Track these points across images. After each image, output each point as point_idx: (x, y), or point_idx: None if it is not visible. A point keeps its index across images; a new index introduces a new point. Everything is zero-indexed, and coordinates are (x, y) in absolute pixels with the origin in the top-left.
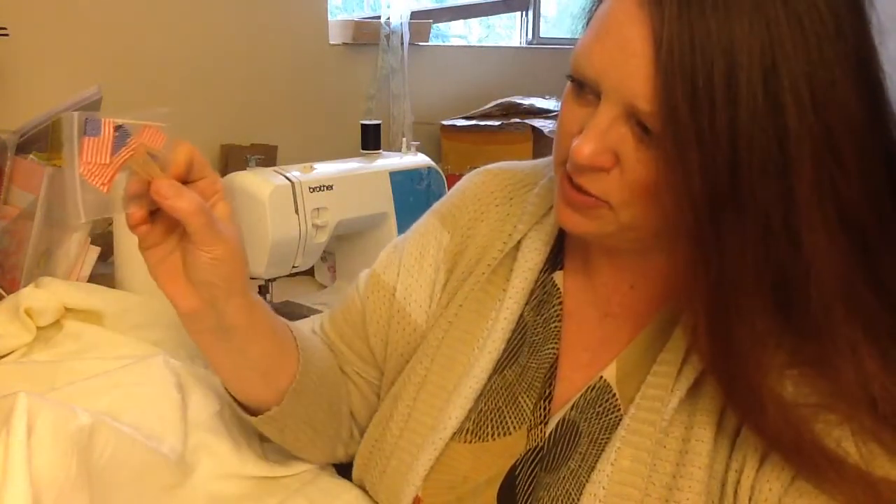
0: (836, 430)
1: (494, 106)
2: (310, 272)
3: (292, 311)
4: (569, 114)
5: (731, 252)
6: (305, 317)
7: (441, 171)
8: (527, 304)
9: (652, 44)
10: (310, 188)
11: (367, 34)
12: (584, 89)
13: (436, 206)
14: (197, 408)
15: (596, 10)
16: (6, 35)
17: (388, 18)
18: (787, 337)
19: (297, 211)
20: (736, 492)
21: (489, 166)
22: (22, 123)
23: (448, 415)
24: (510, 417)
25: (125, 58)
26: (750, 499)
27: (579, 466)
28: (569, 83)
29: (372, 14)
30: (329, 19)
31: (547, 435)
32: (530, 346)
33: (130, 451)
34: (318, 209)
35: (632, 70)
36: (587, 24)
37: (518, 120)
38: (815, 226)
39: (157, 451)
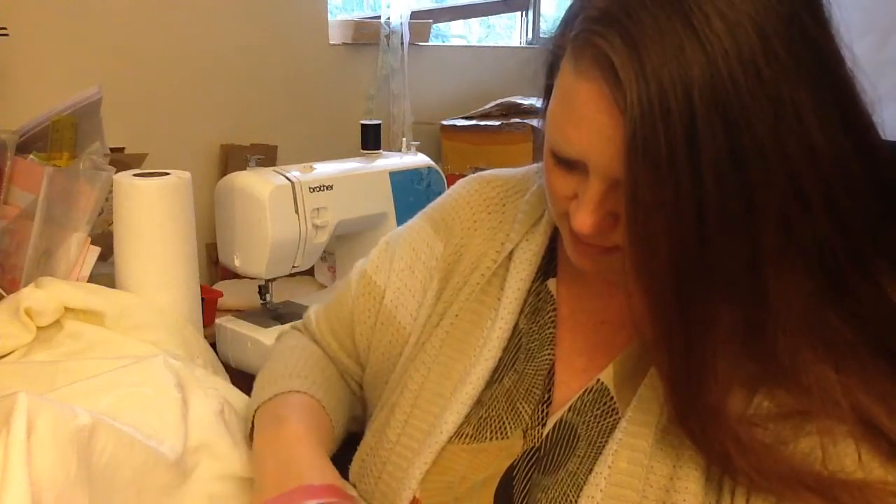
0: (815, 443)
1: (494, 106)
2: (310, 272)
3: (292, 311)
4: (558, 181)
5: (696, 319)
6: None
7: (441, 171)
8: (521, 312)
9: (622, 129)
10: (310, 188)
11: (367, 34)
12: (568, 162)
13: (428, 210)
14: (197, 408)
15: (556, 66)
16: (6, 35)
17: (388, 18)
18: (758, 374)
19: (297, 211)
20: (733, 493)
21: (481, 174)
22: (22, 123)
23: (444, 419)
24: (508, 422)
25: (125, 58)
26: (747, 501)
27: (577, 468)
28: (548, 154)
29: (372, 14)
30: (329, 19)
31: (544, 436)
32: (526, 353)
33: (130, 451)
34: (318, 209)
35: (612, 151)
36: (549, 86)
37: (518, 120)
38: (782, 274)
39: (157, 451)
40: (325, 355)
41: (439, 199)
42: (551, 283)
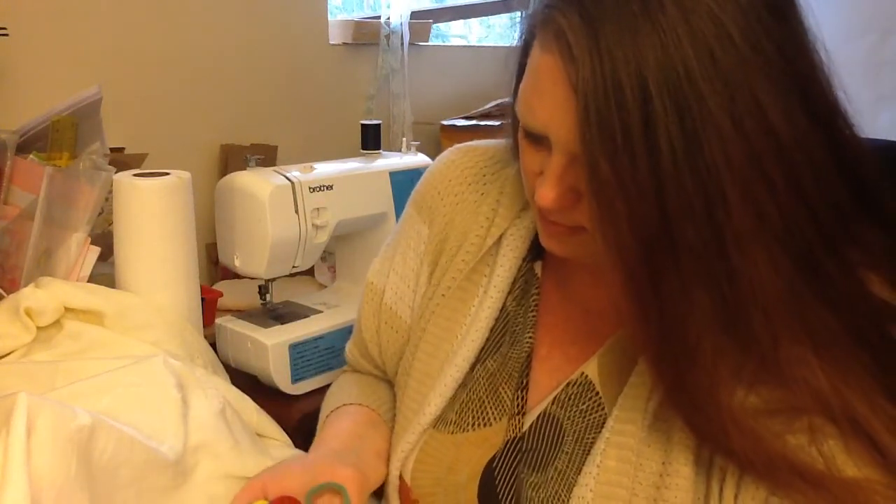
0: (806, 436)
1: (494, 106)
2: (310, 272)
3: (292, 311)
4: (527, 156)
5: (671, 299)
6: (306, 317)
7: None
8: (510, 293)
9: (574, 102)
10: (310, 188)
11: (367, 34)
12: (535, 136)
13: (413, 193)
14: (197, 408)
15: (527, 47)
16: (6, 35)
17: (388, 18)
18: (744, 363)
19: (297, 211)
20: (721, 488)
21: (458, 146)
22: (22, 123)
23: (430, 401)
24: (491, 408)
25: (125, 58)
26: (736, 497)
27: (566, 467)
28: (521, 130)
29: (372, 14)
30: (329, 19)
31: (526, 427)
32: (511, 336)
33: (130, 451)
34: (318, 209)
35: (570, 125)
36: (520, 63)
37: None
38: (755, 256)
39: (157, 451)
40: (362, 375)
41: (420, 180)
42: (537, 266)
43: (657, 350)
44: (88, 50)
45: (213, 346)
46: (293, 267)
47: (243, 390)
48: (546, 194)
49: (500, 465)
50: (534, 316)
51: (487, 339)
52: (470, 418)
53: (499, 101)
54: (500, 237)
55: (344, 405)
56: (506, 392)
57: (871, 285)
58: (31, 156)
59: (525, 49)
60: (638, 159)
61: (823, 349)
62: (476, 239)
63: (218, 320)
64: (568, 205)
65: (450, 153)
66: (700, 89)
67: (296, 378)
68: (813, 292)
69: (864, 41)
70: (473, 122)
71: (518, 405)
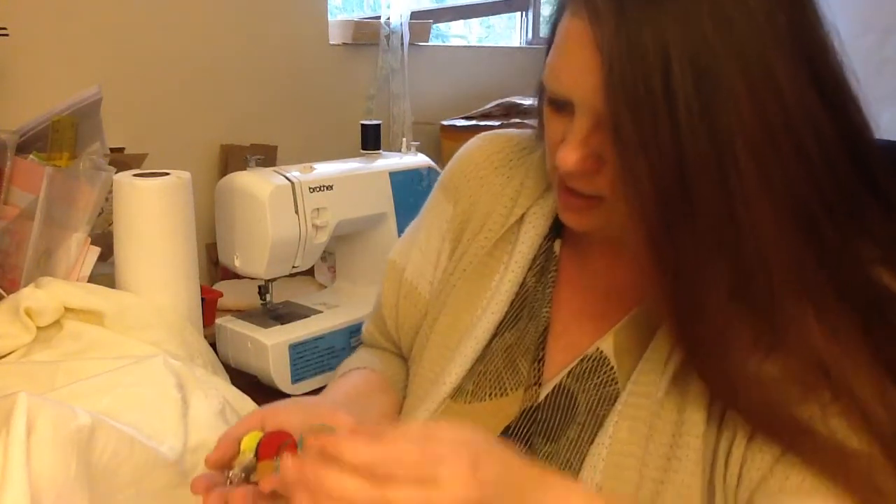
0: (816, 409)
1: (494, 106)
2: (310, 272)
3: (292, 311)
4: (551, 125)
5: (689, 260)
6: (306, 317)
7: (441, 172)
8: (529, 270)
9: (599, 63)
10: (310, 188)
11: (367, 34)
12: (560, 103)
13: (440, 177)
14: (197, 408)
15: (557, 23)
16: (6, 35)
17: (388, 18)
18: (760, 331)
19: (297, 211)
20: (727, 461)
21: (486, 132)
22: (22, 123)
23: (449, 371)
24: (508, 379)
25: (125, 58)
26: (741, 466)
27: (578, 437)
28: (546, 99)
29: (372, 14)
30: (329, 19)
31: (542, 398)
32: (530, 311)
33: (130, 451)
34: (318, 209)
35: (594, 85)
36: (550, 40)
37: (518, 120)
38: (762, 221)
39: (157, 451)
40: (378, 349)
41: (448, 164)
42: (556, 244)
43: (677, 312)
44: (88, 50)
45: (213, 346)
46: (293, 267)
47: (243, 390)
48: (567, 156)
49: (514, 433)
50: (550, 292)
51: (507, 313)
52: (487, 388)
53: (499, 101)
54: (523, 216)
55: (356, 368)
56: (522, 364)
57: (881, 278)
58: (31, 156)
59: (555, 25)
60: (659, 119)
61: (827, 324)
62: (499, 217)
63: (218, 320)
64: (589, 169)
65: (477, 139)
66: (717, 55)
67: (296, 378)
68: (819, 262)
69: (865, 41)
70: (473, 122)
71: (534, 376)
